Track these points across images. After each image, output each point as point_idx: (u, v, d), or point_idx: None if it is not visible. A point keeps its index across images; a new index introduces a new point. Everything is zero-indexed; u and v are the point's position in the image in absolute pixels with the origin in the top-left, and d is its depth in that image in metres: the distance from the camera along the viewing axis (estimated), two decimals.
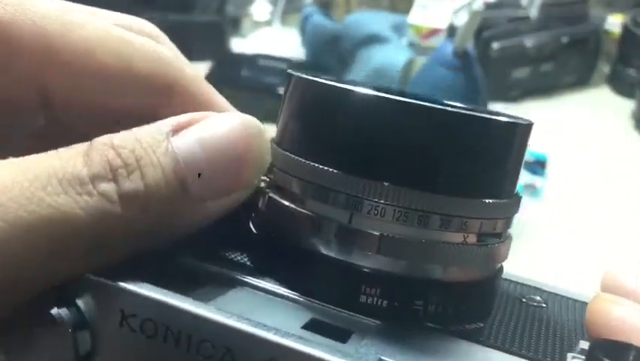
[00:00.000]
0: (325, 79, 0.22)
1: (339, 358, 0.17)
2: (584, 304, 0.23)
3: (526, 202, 0.85)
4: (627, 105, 1.12)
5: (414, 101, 0.20)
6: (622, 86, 1.18)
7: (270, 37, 1.31)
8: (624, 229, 0.78)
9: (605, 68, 1.23)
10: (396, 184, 0.20)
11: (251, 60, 1.06)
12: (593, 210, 0.83)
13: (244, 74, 1.03)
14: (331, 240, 0.21)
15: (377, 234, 0.20)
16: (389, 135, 0.20)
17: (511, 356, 0.21)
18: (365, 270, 0.20)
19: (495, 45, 1.09)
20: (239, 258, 0.23)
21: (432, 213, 0.20)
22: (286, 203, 0.22)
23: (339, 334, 0.19)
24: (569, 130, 1.03)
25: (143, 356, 0.19)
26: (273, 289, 0.21)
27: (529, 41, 1.11)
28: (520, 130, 0.22)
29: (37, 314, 0.20)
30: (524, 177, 0.90)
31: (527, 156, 0.99)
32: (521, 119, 0.22)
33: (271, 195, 0.22)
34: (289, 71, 0.23)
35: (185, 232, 0.22)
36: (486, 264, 0.22)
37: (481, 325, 0.22)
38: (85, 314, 0.20)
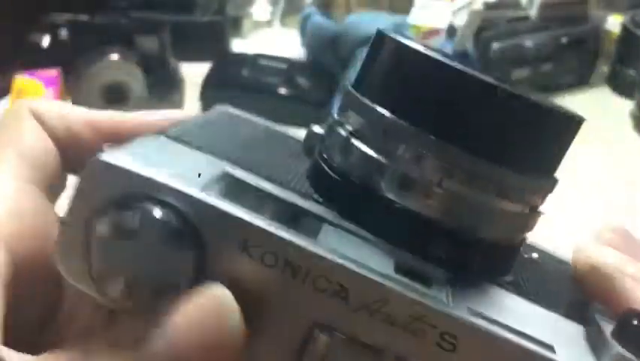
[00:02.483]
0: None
1: (441, 308, 0.21)
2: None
3: None
4: (626, 105, 1.12)
5: (505, 86, 0.23)
6: (621, 86, 1.18)
7: (270, 38, 1.32)
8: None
9: (604, 68, 1.24)
10: (493, 162, 0.23)
11: (251, 60, 1.06)
12: (591, 210, 0.83)
13: (244, 74, 1.02)
14: (420, 197, 0.23)
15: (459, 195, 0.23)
16: (478, 113, 0.23)
17: (565, 318, 0.25)
18: (438, 224, 0.23)
19: (494, 45, 1.09)
20: (321, 200, 0.25)
21: (505, 188, 0.24)
22: (374, 155, 0.24)
23: (422, 279, 0.22)
24: None
25: (258, 282, 0.21)
26: (357, 231, 0.24)
27: (528, 42, 1.11)
28: (577, 123, 0.25)
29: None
30: None
31: None
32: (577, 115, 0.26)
33: (354, 142, 0.25)
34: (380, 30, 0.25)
35: None
36: (527, 231, 0.26)
37: (511, 278, 0.26)
38: (204, 236, 0.21)
